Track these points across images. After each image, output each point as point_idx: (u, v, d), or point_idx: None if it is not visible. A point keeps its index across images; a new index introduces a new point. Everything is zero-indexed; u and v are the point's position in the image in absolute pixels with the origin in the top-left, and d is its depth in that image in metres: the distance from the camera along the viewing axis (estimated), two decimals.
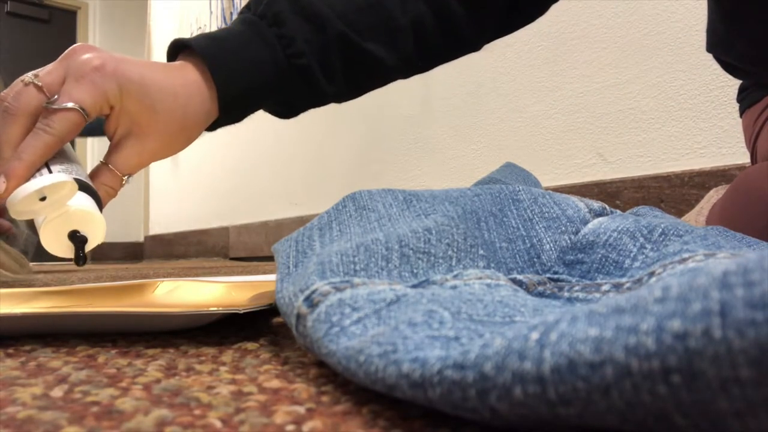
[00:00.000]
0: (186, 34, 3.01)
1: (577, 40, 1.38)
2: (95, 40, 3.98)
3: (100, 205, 0.39)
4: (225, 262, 2.29)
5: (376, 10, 0.46)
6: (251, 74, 0.43)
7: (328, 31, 0.44)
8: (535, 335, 0.15)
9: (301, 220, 2.20)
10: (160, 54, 3.27)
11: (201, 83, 0.42)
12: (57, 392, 0.22)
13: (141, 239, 3.66)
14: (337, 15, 0.44)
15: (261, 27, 0.43)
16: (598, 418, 0.14)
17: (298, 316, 0.23)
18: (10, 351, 0.31)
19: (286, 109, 0.48)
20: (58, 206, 0.36)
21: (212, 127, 0.46)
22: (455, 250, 0.29)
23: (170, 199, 3.16)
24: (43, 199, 0.36)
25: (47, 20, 3.87)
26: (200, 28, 2.91)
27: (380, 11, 0.46)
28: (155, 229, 3.43)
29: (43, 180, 0.35)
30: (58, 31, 3.90)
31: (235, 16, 2.62)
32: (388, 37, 0.47)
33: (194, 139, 0.44)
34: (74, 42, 3.89)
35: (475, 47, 0.54)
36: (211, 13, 2.82)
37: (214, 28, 2.77)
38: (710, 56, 0.67)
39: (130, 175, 0.42)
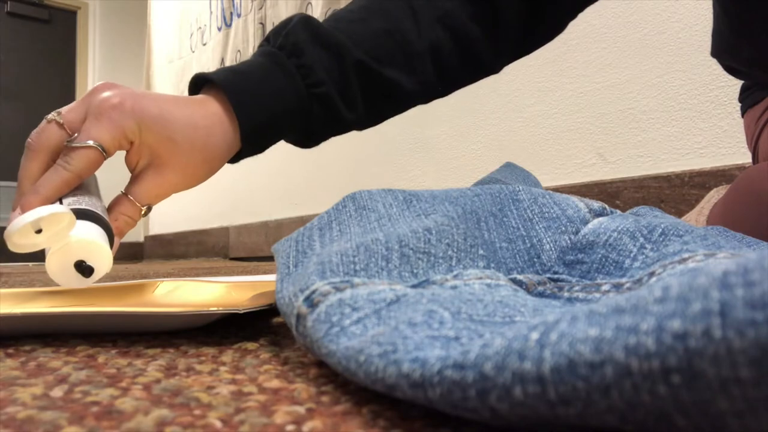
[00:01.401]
0: (186, 34, 3.01)
1: (577, 40, 1.38)
2: (95, 40, 3.98)
3: (111, 236, 0.39)
4: (225, 262, 2.29)
5: (393, 36, 0.47)
6: (272, 104, 0.43)
7: (346, 60, 0.45)
8: (535, 335, 0.15)
9: (301, 220, 2.20)
10: (159, 55, 3.26)
11: (222, 115, 0.42)
12: (57, 392, 0.22)
13: (141, 239, 3.65)
14: (354, 43, 0.45)
15: (280, 58, 0.44)
16: (598, 418, 0.14)
17: (298, 316, 0.23)
18: (10, 351, 0.31)
19: (307, 139, 0.49)
20: (60, 238, 0.36)
21: (235, 159, 0.46)
22: (455, 250, 0.29)
23: (170, 199, 3.16)
24: (39, 231, 0.35)
25: (47, 20, 3.87)
26: (200, 28, 2.90)
27: (397, 38, 0.47)
28: (155, 229, 3.43)
29: (37, 212, 0.35)
30: (58, 31, 3.89)
31: (234, 16, 2.61)
32: (406, 63, 0.47)
33: (216, 171, 0.44)
34: (74, 42, 3.88)
35: (495, 70, 0.54)
36: (211, 13, 2.82)
37: (214, 29, 2.77)
38: (710, 56, 0.67)
39: (149, 205, 0.42)
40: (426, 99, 0.52)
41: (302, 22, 0.44)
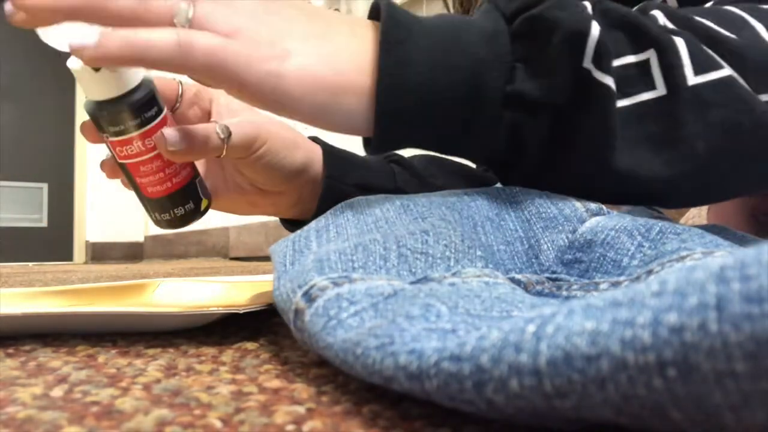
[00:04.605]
0: None
1: None
2: None
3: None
4: (225, 262, 2.29)
5: None
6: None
7: None
8: (531, 328, 0.15)
9: None
10: None
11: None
12: (57, 392, 0.23)
13: (141, 239, 3.66)
14: None
15: None
16: (593, 411, 0.14)
17: (296, 312, 0.23)
18: (10, 351, 0.31)
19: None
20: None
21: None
22: (453, 251, 0.29)
23: None
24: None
25: None
26: None
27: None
28: (155, 229, 3.43)
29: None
30: None
31: None
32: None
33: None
34: None
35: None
36: None
37: None
38: None
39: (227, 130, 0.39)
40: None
41: None
